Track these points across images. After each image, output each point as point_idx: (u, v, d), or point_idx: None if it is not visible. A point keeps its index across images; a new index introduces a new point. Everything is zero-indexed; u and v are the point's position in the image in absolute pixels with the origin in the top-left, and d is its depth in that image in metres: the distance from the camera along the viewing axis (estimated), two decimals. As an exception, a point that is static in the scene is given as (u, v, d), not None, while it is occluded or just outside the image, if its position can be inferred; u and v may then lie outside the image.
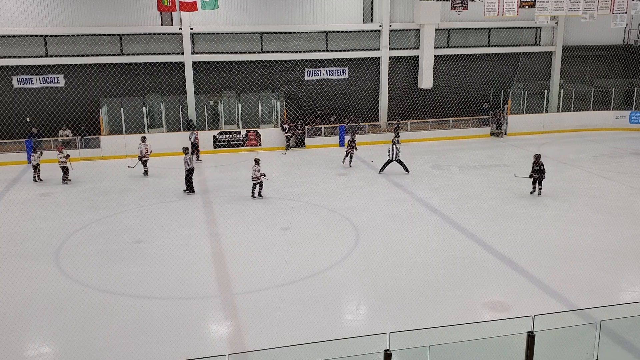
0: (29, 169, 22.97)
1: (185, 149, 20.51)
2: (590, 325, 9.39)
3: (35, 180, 21.59)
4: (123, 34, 26.98)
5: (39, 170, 21.66)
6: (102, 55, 26.90)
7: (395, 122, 28.92)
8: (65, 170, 21.34)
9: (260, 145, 26.84)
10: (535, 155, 19.56)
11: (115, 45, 27.07)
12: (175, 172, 22.37)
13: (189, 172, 19.92)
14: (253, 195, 19.42)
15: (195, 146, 25.11)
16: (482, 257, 14.48)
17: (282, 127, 26.89)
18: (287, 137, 26.82)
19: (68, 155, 21.38)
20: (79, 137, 25.41)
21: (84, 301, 12.34)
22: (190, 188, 19.99)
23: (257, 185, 19.35)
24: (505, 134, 29.77)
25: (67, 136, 25.75)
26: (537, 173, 19.34)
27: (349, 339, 8.43)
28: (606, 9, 25.78)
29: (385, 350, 7.40)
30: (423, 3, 29.12)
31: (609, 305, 11.24)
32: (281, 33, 28.79)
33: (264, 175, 19.44)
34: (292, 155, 26.10)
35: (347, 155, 23.71)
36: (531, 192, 19.57)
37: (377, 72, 30.52)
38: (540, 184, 19.45)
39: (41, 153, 21.84)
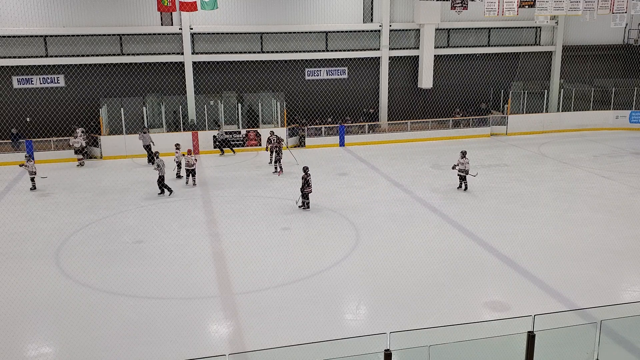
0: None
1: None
2: (590, 324, 9.39)
3: (179, 176, 21.78)
4: (123, 34, 26.98)
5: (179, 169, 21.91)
6: (102, 55, 26.89)
7: None
8: (193, 173, 21.04)
9: (260, 145, 26.81)
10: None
11: (115, 45, 27.07)
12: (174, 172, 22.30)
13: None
14: (464, 187, 19.88)
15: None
16: (482, 257, 14.47)
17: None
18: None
19: (196, 160, 21.51)
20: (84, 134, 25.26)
21: (84, 301, 12.35)
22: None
23: (464, 179, 19.86)
24: (506, 133, 29.83)
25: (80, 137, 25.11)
26: None
27: (349, 339, 8.44)
28: (606, 8, 25.76)
29: (385, 350, 7.41)
30: (423, 3, 29.11)
31: (609, 304, 11.25)
32: (281, 33, 28.78)
33: (471, 173, 19.85)
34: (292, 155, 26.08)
35: (276, 162, 22.31)
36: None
37: (377, 72, 30.51)
38: None
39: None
